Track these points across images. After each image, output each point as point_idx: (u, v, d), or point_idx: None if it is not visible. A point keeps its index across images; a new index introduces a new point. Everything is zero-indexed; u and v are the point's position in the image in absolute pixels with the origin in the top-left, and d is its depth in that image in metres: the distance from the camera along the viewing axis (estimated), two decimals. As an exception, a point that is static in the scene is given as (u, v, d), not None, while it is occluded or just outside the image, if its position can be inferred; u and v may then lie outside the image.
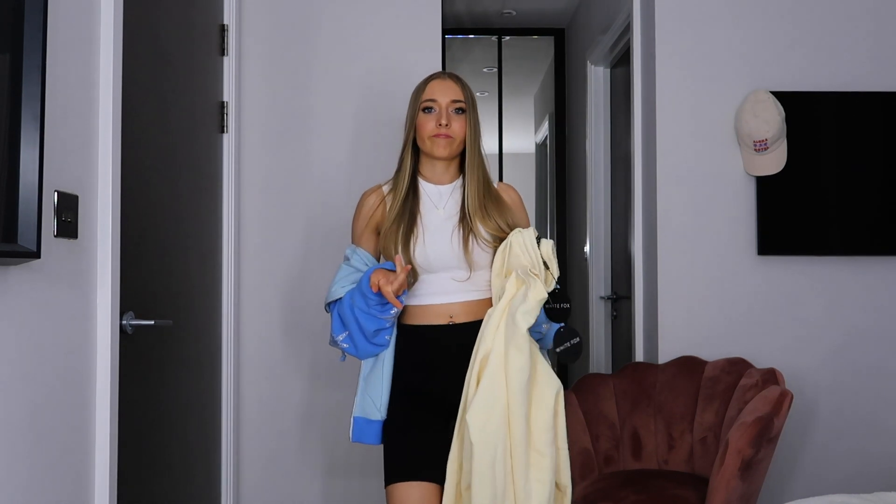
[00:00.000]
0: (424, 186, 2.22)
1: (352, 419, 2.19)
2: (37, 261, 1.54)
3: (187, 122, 2.55)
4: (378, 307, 2.04)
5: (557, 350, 2.09)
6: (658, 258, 3.12)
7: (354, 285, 2.12)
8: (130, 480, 2.01)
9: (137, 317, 2.02)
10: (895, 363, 3.11)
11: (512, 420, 1.94)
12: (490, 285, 2.14)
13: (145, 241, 2.17)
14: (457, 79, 2.22)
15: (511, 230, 2.14)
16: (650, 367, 3.01)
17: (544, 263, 2.06)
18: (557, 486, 2.03)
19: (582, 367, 4.49)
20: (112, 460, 1.84)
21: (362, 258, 2.18)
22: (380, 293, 2.01)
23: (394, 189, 2.22)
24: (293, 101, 3.08)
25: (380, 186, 2.27)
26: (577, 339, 2.10)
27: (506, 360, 1.95)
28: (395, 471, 2.08)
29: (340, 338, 2.13)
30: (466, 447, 1.94)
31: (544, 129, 5.96)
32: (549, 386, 1.99)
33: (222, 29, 2.89)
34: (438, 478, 2.04)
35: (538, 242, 2.06)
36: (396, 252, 2.12)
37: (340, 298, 2.12)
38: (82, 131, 1.75)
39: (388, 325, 2.09)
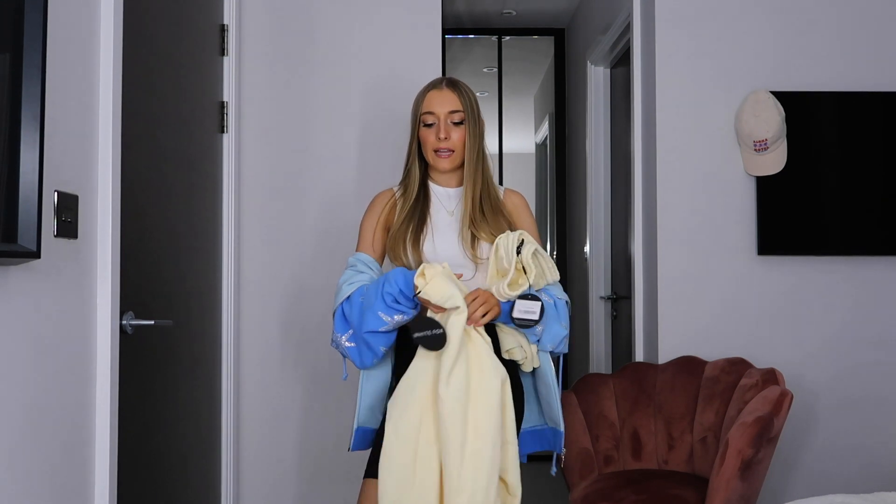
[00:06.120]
0: (434, 189, 2.26)
1: (353, 431, 2.19)
2: (37, 261, 1.54)
3: (187, 122, 2.55)
4: (408, 302, 2.01)
5: (414, 336, 1.99)
6: (658, 258, 3.12)
7: (362, 284, 2.10)
8: (130, 480, 2.01)
9: (137, 317, 2.02)
10: (895, 363, 3.11)
11: (446, 415, 1.94)
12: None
13: (145, 241, 2.17)
14: (455, 86, 2.22)
15: None
16: (650, 367, 3.01)
17: (523, 269, 2.05)
18: (505, 483, 2.00)
19: (582, 367, 4.49)
20: (112, 460, 1.84)
21: (366, 263, 2.18)
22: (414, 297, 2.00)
23: (404, 193, 2.25)
24: (293, 100, 3.07)
25: (392, 189, 2.30)
26: (441, 330, 1.97)
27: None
28: (374, 466, 2.08)
29: (345, 337, 2.10)
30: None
31: (544, 129, 5.96)
32: (495, 374, 1.97)
33: (222, 29, 2.89)
34: None
35: (521, 246, 2.06)
36: (405, 250, 2.13)
37: (349, 297, 2.09)
38: (82, 131, 1.75)
39: (384, 328, 2.04)
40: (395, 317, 2.02)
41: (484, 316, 2.02)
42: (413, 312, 2.03)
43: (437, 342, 1.96)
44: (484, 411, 1.93)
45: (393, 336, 2.08)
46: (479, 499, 1.90)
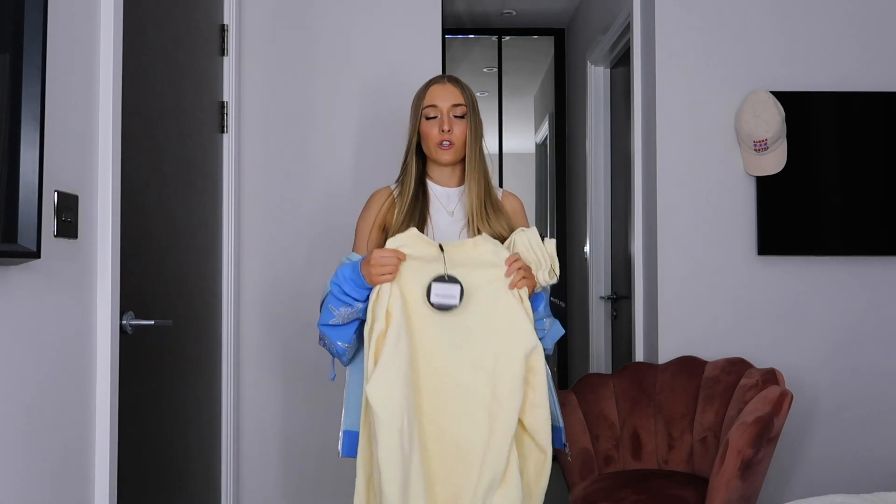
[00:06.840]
0: (433, 188, 2.25)
1: (341, 433, 2.13)
2: (37, 261, 1.54)
3: (187, 122, 2.55)
4: (356, 292, 1.96)
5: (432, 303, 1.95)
6: (658, 258, 3.12)
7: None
8: (130, 480, 2.01)
9: (137, 317, 2.02)
10: (895, 363, 3.11)
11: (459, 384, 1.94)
12: None
13: (145, 241, 2.17)
14: (456, 82, 2.24)
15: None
16: (650, 367, 3.02)
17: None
18: (539, 446, 2.01)
19: (582, 367, 4.49)
20: (112, 460, 1.84)
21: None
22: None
23: (401, 192, 2.23)
24: (293, 100, 3.08)
25: (389, 187, 2.29)
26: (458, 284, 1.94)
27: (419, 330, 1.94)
28: None
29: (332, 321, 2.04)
30: (372, 425, 1.90)
31: (544, 129, 5.96)
32: (522, 342, 1.96)
33: (222, 29, 2.90)
34: None
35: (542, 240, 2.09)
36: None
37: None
38: (82, 131, 1.75)
39: (333, 321, 2.00)
40: (342, 309, 1.98)
41: (521, 280, 2.00)
42: (359, 305, 1.98)
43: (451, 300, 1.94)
44: (506, 377, 1.94)
45: (349, 330, 2.02)
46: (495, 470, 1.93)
